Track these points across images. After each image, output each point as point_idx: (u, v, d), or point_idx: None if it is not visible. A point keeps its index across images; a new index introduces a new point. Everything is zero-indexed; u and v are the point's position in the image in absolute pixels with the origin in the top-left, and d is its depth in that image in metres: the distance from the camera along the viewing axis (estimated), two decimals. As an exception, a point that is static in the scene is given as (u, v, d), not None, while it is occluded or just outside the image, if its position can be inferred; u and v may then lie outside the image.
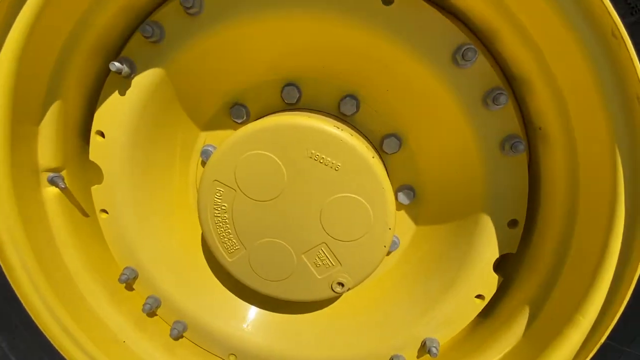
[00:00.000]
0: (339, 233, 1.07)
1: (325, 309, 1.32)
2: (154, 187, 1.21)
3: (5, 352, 1.08)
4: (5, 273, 0.98)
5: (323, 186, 1.02)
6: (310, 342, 1.26)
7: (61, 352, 1.09)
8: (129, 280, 1.21)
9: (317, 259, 1.11)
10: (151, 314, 1.27)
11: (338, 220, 1.05)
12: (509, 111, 0.94)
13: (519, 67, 0.87)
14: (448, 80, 0.92)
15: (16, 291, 1.00)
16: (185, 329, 1.27)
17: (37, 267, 1.03)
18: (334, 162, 1.00)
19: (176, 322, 1.26)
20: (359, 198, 1.02)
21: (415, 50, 0.93)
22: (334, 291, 1.13)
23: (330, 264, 1.11)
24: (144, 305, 1.22)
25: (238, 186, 1.06)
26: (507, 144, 0.94)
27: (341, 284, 1.12)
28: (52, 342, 1.08)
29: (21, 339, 1.06)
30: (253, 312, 1.32)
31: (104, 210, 1.18)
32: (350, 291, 1.29)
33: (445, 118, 0.99)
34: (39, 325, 1.06)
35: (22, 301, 1.01)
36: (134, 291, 1.26)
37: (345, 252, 1.08)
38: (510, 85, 0.96)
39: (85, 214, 1.19)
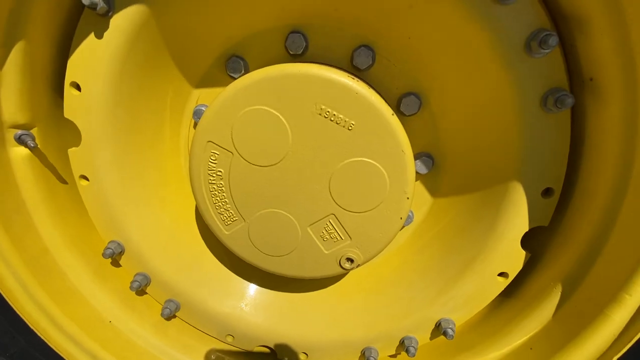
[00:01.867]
0: (349, 203, 0.93)
1: (331, 287, 1.19)
2: (140, 150, 1.05)
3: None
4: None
5: (333, 148, 0.87)
6: (315, 322, 1.13)
7: (38, 333, 0.95)
8: (115, 255, 1.06)
9: (325, 232, 0.97)
10: (140, 292, 1.14)
11: (349, 189, 0.91)
12: (556, 58, 0.78)
13: (575, 2, 0.71)
14: (487, 19, 0.76)
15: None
16: (178, 308, 1.13)
17: (5, 237, 0.87)
18: (347, 119, 0.85)
19: (168, 300, 1.13)
20: (374, 163, 0.88)
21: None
22: (342, 267, 1.00)
23: (338, 238, 0.97)
24: (132, 282, 1.08)
25: (235, 148, 0.91)
26: (551, 97, 0.79)
27: (350, 260, 0.99)
28: (27, 322, 0.94)
29: (-9, 318, 0.92)
30: (252, 290, 1.19)
31: (84, 177, 1.02)
32: (359, 268, 1.18)
33: (479, 68, 0.84)
34: (11, 304, 0.92)
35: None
36: (120, 267, 1.12)
37: (356, 224, 0.94)
38: (557, 27, 0.80)
39: (63, 181, 1.03)
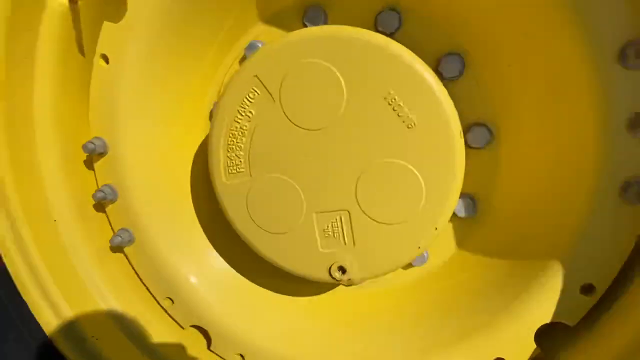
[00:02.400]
0: (371, 207, 0.97)
1: (308, 299, 1.22)
2: (176, 53, 1.10)
3: None
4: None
5: (382, 140, 0.93)
6: (271, 326, 1.16)
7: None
8: (94, 154, 1.11)
9: (329, 227, 1.01)
10: (99, 206, 1.18)
11: (378, 191, 0.96)
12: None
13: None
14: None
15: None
16: (130, 241, 1.16)
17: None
18: (410, 117, 0.91)
19: (123, 229, 1.16)
20: (417, 175, 0.93)
21: None
22: (330, 275, 1.03)
23: (341, 240, 1.01)
24: (97, 191, 1.12)
25: (280, 96, 0.97)
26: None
27: (342, 270, 1.02)
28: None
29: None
30: (218, 263, 1.21)
31: (105, 57, 1.08)
32: (345, 292, 1.21)
33: (562, 75, 0.88)
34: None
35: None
36: (92, 171, 1.17)
37: (368, 233, 0.98)
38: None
39: (82, 52, 1.10)
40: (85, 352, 1.09)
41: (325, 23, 1.09)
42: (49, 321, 1.06)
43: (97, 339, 1.07)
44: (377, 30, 1.03)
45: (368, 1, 1.05)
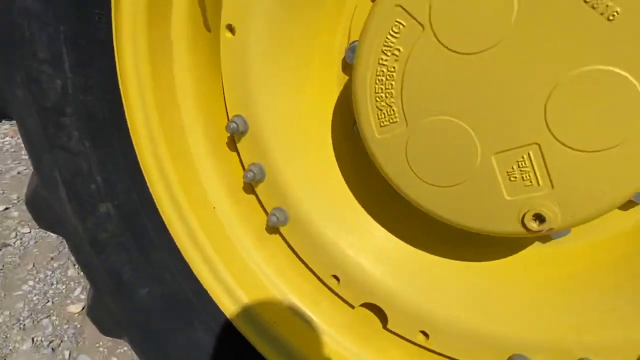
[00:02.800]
0: (570, 134, 0.88)
1: (494, 262, 1.18)
2: (297, 14, 1.17)
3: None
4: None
5: (574, 45, 0.84)
6: (456, 300, 1.15)
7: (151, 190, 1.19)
8: (236, 134, 1.23)
9: (515, 169, 0.95)
10: (249, 188, 1.30)
11: (578, 112, 0.87)
12: None
13: None
14: None
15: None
16: (285, 220, 1.26)
17: (149, 75, 1.09)
18: (609, 3, 0.81)
19: (276, 208, 1.26)
20: (631, 79, 0.82)
21: None
22: (524, 226, 0.97)
23: (533, 182, 0.94)
24: (245, 172, 1.24)
25: (430, 21, 0.94)
26: None
27: (541, 218, 0.95)
28: (147, 179, 1.18)
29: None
30: (380, 233, 1.25)
31: (230, 28, 1.18)
32: (540, 250, 1.15)
33: None
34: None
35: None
36: (237, 152, 1.29)
37: (569, 166, 0.90)
38: None
39: (208, 28, 1.22)
40: (266, 336, 1.23)
41: None
42: (229, 308, 1.22)
43: (275, 323, 1.19)
44: None
45: None
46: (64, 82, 1.11)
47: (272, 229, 1.27)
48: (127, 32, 1.05)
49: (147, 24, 1.07)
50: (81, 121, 1.15)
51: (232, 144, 1.27)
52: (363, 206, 1.27)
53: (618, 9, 0.79)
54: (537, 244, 1.15)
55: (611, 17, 0.80)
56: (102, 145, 1.17)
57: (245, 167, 1.25)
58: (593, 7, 0.81)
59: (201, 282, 1.21)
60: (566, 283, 1.08)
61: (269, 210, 1.27)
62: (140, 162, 1.18)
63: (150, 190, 1.19)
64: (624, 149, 0.85)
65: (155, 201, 1.18)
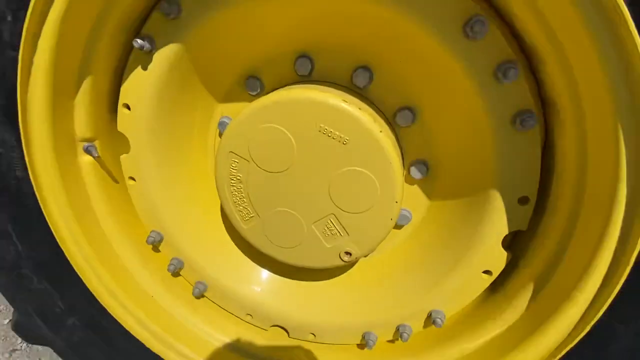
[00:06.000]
0: (346, 205, 1.20)
1: (338, 278, 1.48)
2: (176, 156, 1.40)
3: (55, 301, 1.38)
4: (54, 234, 1.24)
5: (331, 159, 1.15)
6: (322, 307, 1.44)
7: (100, 302, 1.36)
8: (156, 243, 1.44)
9: (326, 229, 1.26)
10: (175, 273, 1.51)
11: (346, 193, 1.18)
12: (521, 85, 0.99)
13: (530, 37, 0.92)
14: (458, 52, 0.98)
15: (63, 249, 1.26)
16: (206, 288, 1.49)
17: (78, 227, 1.27)
18: (342, 136, 1.12)
19: (198, 282, 1.49)
20: (365, 172, 1.14)
21: (425, 22, 1.00)
22: (342, 260, 1.29)
23: (338, 234, 1.25)
24: (169, 265, 1.45)
25: (252, 158, 1.22)
26: (519, 119, 1.01)
27: (348, 254, 1.27)
28: (92, 290, 1.35)
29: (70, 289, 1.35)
30: (268, 276, 1.51)
31: (132, 178, 1.39)
32: (363, 262, 1.46)
33: (457, 91, 1.07)
34: (80, 275, 1.32)
35: (68, 258, 1.28)
36: (160, 252, 1.50)
37: (353, 223, 1.22)
38: (527, 56, 1.01)
39: (116, 181, 1.41)
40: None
41: (262, 88, 1.31)
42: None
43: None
44: (352, 84, 1.22)
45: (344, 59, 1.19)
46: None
47: (199, 296, 1.48)
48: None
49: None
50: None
51: (155, 248, 1.47)
52: (252, 260, 1.51)
53: (347, 138, 1.10)
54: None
55: (345, 142, 1.11)
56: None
57: (168, 261, 1.45)
58: (334, 139, 1.11)
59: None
60: (367, 283, 1.41)
61: (193, 284, 1.48)
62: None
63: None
64: (376, 208, 1.17)
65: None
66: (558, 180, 1.06)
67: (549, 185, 1.10)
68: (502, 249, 1.18)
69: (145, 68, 1.20)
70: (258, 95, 1.31)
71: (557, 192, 1.07)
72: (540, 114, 1.05)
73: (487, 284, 1.24)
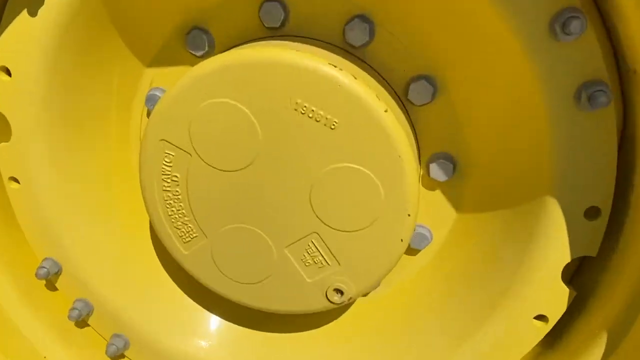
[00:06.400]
0: (336, 219, 1.17)
1: (324, 328, 1.45)
2: (81, 147, 1.35)
3: None
4: None
5: (313, 151, 1.12)
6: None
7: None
8: (50, 276, 1.38)
9: (306, 255, 1.23)
10: (80, 323, 1.45)
11: (335, 202, 1.15)
12: (589, 43, 0.97)
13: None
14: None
15: None
16: (126, 345, 1.44)
17: None
18: (328, 117, 1.09)
19: (114, 335, 1.44)
20: (364, 170, 1.11)
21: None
22: (329, 301, 1.26)
23: (324, 263, 1.22)
24: (70, 310, 1.39)
25: (194, 148, 1.18)
26: (585, 93, 0.99)
27: (340, 291, 1.24)
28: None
29: None
30: (218, 325, 1.47)
31: (14, 179, 1.33)
32: (360, 304, 1.43)
33: (499, 52, 1.04)
34: None
35: None
36: (57, 291, 1.44)
37: (345, 246, 1.19)
38: (597, 6, 1.00)
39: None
40: None
41: (212, 46, 1.27)
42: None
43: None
44: (345, 43, 1.19)
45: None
46: None
47: (117, 356, 1.43)
48: None
49: None
50: None
51: (50, 285, 1.41)
52: (200, 303, 1.47)
53: (336, 120, 1.07)
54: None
55: (333, 126, 1.09)
56: None
57: (70, 306, 1.39)
58: (317, 121, 1.08)
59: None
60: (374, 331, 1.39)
61: (107, 339, 1.43)
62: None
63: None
64: (379, 224, 1.15)
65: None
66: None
67: (628, 192, 1.08)
68: (562, 283, 1.16)
69: (33, 13, 1.14)
70: (205, 57, 1.27)
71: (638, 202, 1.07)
72: (616, 88, 1.03)
73: (542, 335, 1.22)
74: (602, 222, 1.10)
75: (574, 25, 0.93)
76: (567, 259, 1.14)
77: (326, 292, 1.25)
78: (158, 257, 1.47)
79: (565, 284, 1.16)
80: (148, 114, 1.40)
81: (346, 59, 1.17)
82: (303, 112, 1.09)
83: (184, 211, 1.25)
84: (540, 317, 1.21)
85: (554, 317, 1.20)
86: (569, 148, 1.06)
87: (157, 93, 1.34)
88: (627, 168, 1.08)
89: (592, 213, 1.11)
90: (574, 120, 1.04)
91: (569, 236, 1.12)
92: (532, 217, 1.15)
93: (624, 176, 1.08)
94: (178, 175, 1.21)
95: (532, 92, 1.05)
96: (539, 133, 1.08)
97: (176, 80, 1.17)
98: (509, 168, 1.18)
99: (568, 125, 1.04)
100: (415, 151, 1.20)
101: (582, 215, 1.11)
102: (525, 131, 1.10)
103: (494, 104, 1.14)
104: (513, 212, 1.20)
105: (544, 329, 1.21)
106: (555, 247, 1.14)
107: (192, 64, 1.24)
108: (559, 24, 0.95)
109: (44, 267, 1.36)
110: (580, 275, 1.23)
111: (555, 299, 1.18)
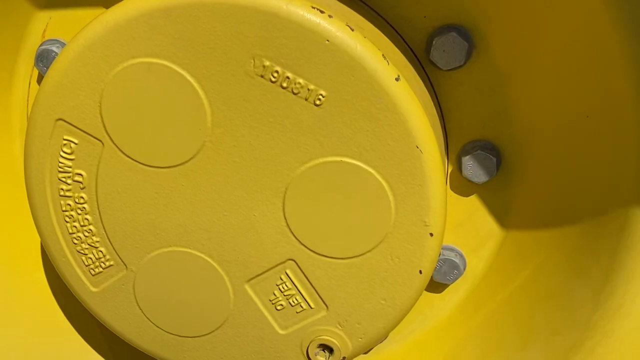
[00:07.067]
0: (321, 240, 1.17)
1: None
2: None
3: None
4: None
5: (289, 139, 1.12)
6: None
7: None
8: None
9: (277, 294, 1.23)
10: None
11: (320, 214, 1.16)
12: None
13: None
14: None
15: None
16: None
17: None
18: (311, 87, 1.09)
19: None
20: (364, 167, 1.12)
21: None
22: (312, 363, 1.27)
23: (304, 306, 1.23)
24: None
25: (108, 134, 1.17)
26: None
27: (328, 349, 1.25)
28: None
29: None
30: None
31: None
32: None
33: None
34: None
35: None
36: None
37: (336, 281, 1.19)
38: None
39: None
40: None
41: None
42: None
43: None
44: None
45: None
46: None
47: None
48: None
49: None
50: None
51: None
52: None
53: (323, 93, 1.08)
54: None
55: (318, 102, 1.09)
56: None
57: None
58: (294, 93, 1.09)
59: None
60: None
61: None
62: None
63: None
64: (385, 247, 1.15)
65: None
66: None
67: None
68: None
69: None
70: (123, -4, 1.26)
71: None
72: None
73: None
74: None
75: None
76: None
77: (307, 349, 1.26)
78: (55, 299, 1.47)
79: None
80: (39, 80, 1.38)
81: (340, 0, 1.17)
82: (273, 80, 1.09)
83: (91, 228, 1.24)
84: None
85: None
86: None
87: (53, 48, 1.34)
88: None
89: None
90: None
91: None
92: (614, 233, 1.17)
93: None
94: (83, 173, 1.21)
95: (608, 57, 1.07)
96: (620, 114, 1.10)
97: (81, 29, 1.16)
98: (580, 163, 1.19)
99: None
100: (442, 139, 1.21)
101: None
102: (599, 111, 1.12)
103: (558, 67, 1.16)
104: (585, 228, 1.22)
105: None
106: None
107: (107, 6, 1.23)
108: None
109: None
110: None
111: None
